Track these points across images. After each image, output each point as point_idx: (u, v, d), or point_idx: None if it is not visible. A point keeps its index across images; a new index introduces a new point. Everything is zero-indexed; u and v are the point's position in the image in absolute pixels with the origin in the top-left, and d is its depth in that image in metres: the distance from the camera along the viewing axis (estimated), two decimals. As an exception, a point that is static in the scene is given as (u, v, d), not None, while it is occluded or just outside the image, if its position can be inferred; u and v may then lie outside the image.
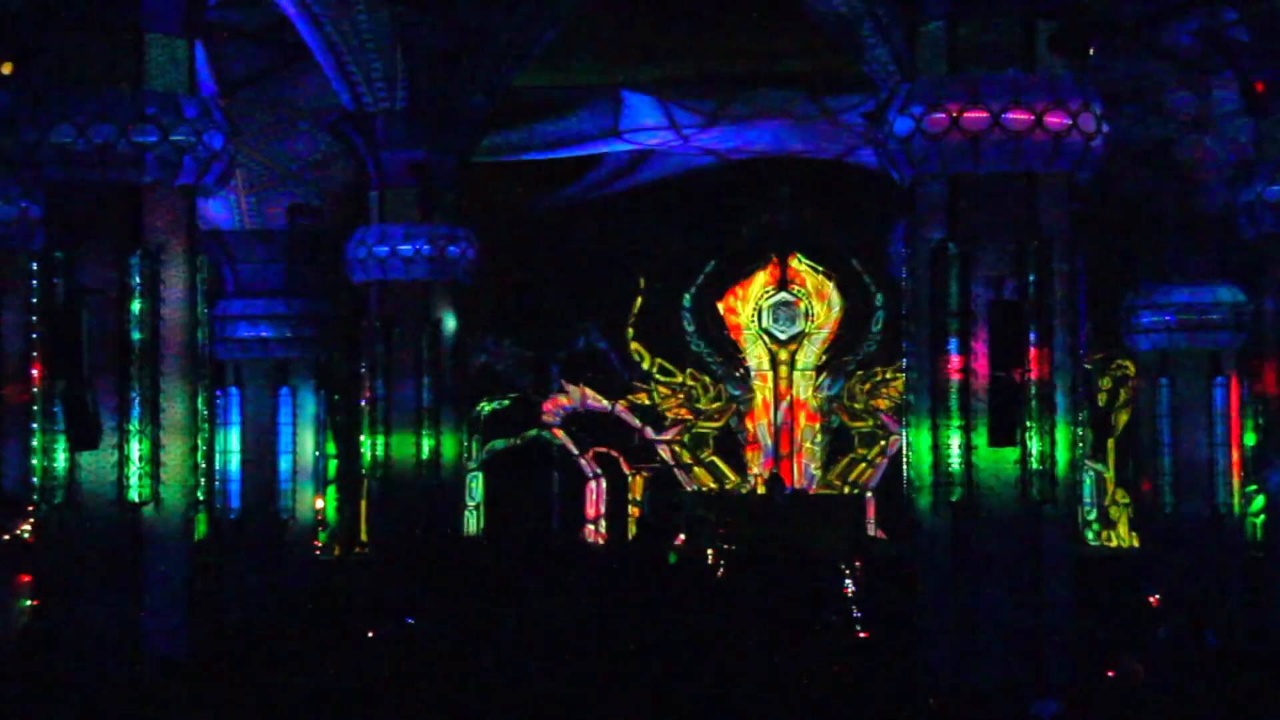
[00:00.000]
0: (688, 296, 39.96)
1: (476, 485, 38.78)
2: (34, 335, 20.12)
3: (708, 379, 39.96)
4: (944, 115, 19.21)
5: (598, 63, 32.49)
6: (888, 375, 38.86)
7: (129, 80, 19.76)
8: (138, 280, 19.63)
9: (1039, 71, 19.29)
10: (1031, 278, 19.21)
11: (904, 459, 20.13)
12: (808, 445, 39.73)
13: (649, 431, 39.90)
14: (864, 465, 39.43)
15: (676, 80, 33.67)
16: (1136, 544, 35.69)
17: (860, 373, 39.65)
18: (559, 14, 27.37)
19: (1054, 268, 19.32)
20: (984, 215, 19.37)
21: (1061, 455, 19.31)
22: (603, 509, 39.64)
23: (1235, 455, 30.33)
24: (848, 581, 26.80)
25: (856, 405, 39.63)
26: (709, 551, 31.73)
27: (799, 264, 39.79)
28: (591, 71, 32.98)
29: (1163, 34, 27.63)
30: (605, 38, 30.75)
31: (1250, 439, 29.94)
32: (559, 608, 21.76)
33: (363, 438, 28.42)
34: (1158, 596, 27.55)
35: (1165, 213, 29.94)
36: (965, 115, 19.14)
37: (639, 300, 39.85)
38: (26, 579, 22.74)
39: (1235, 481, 30.31)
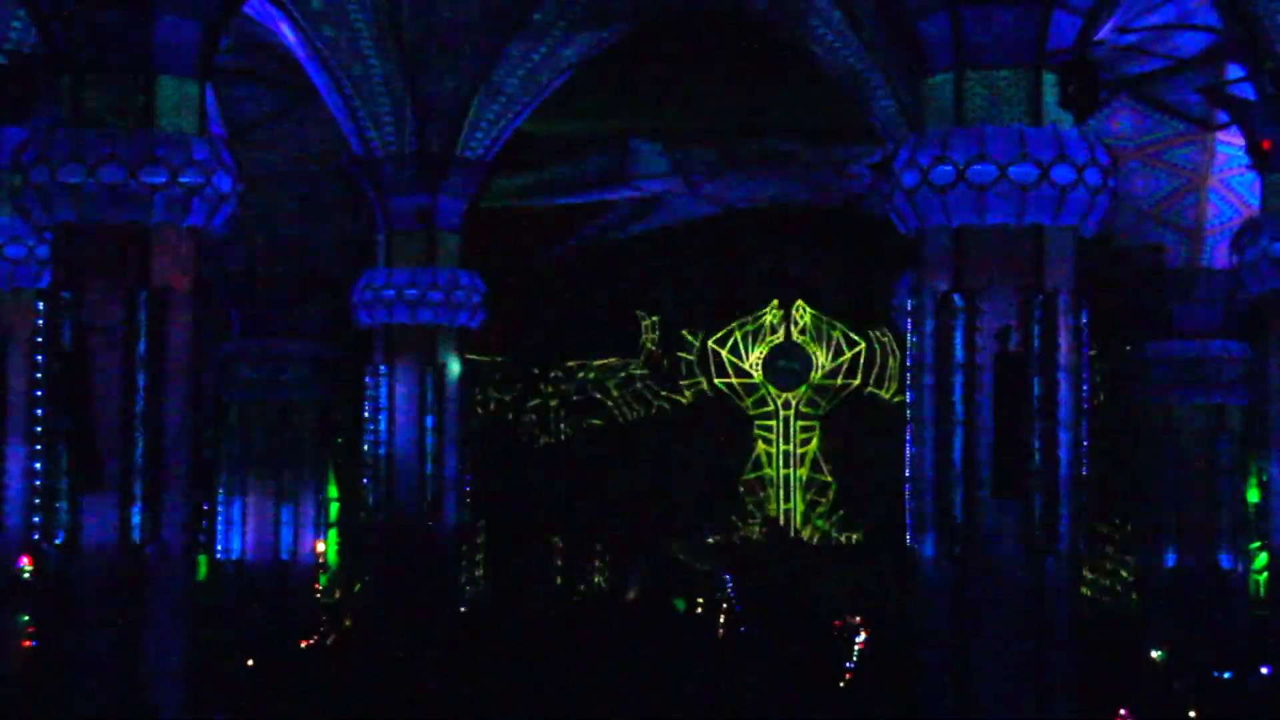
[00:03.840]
0: (695, 343, 40.01)
1: (476, 531, 38.71)
2: (40, 374, 20.08)
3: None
4: (950, 167, 19.25)
5: (606, 111, 32.60)
6: (891, 424, 38.86)
7: (139, 121, 19.83)
8: (144, 320, 19.65)
9: (1045, 125, 19.35)
10: (1036, 330, 19.23)
11: (907, 509, 20.09)
12: (810, 493, 39.70)
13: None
14: (866, 514, 39.40)
15: (684, 129, 33.78)
16: (1134, 598, 35.65)
17: (863, 422, 39.65)
18: (568, 62, 27.46)
19: (1059, 320, 19.33)
20: (990, 267, 19.38)
21: (1065, 508, 19.27)
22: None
23: (1239, 511, 30.25)
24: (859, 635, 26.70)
25: (859, 453, 39.61)
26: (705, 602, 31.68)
27: (803, 313, 39.84)
28: (600, 120, 33.09)
29: (1170, 90, 27.72)
30: (614, 86, 30.85)
31: (1254, 495, 29.89)
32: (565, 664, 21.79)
33: (365, 481, 28.38)
34: (1162, 652, 27.49)
35: (1170, 267, 29.96)
36: (971, 168, 19.18)
37: (644, 353, 39.92)
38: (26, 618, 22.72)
39: (1238, 538, 30.24)
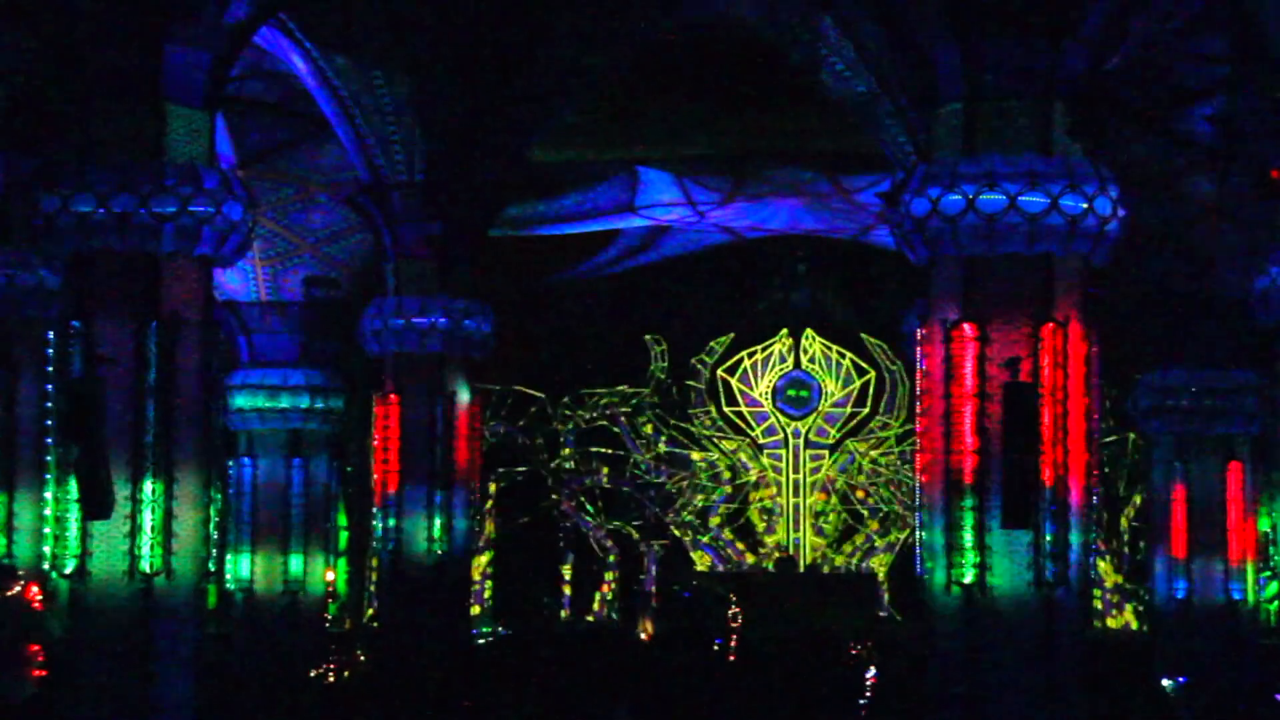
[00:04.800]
0: (705, 373, 40.04)
1: (485, 560, 38.68)
2: (49, 404, 20.10)
3: (719, 455, 39.98)
4: (960, 197, 19.25)
5: (615, 139, 32.64)
6: (901, 452, 38.85)
7: (149, 151, 19.87)
8: (154, 350, 19.66)
9: (1055, 154, 19.35)
10: (1046, 359, 19.21)
11: (917, 539, 20.07)
12: (821, 522, 39.67)
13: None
14: (878, 543, 39.36)
15: (693, 157, 33.82)
16: (1135, 627, 35.60)
17: (873, 451, 39.64)
18: (577, 90, 27.49)
19: (1068, 349, 19.31)
20: (999, 296, 19.37)
21: (1075, 538, 19.23)
22: (614, 587, 39.54)
23: (1249, 541, 30.17)
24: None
25: (868, 483, 39.58)
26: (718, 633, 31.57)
27: (813, 341, 39.84)
28: (608, 147, 33.13)
29: (1180, 119, 27.73)
30: (622, 114, 30.89)
31: (1264, 524, 29.81)
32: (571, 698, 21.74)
33: (374, 510, 28.34)
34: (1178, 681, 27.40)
35: (1180, 297, 29.93)
36: (981, 197, 19.18)
37: (653, 381, 39.95)
38: (36, 648, 22.69)
39: (1249, 567, 30.15)
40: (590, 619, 38.92)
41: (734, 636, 31.22)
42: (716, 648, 30.41)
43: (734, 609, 33.17)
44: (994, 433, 19.15)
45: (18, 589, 20.96)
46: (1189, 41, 24.59)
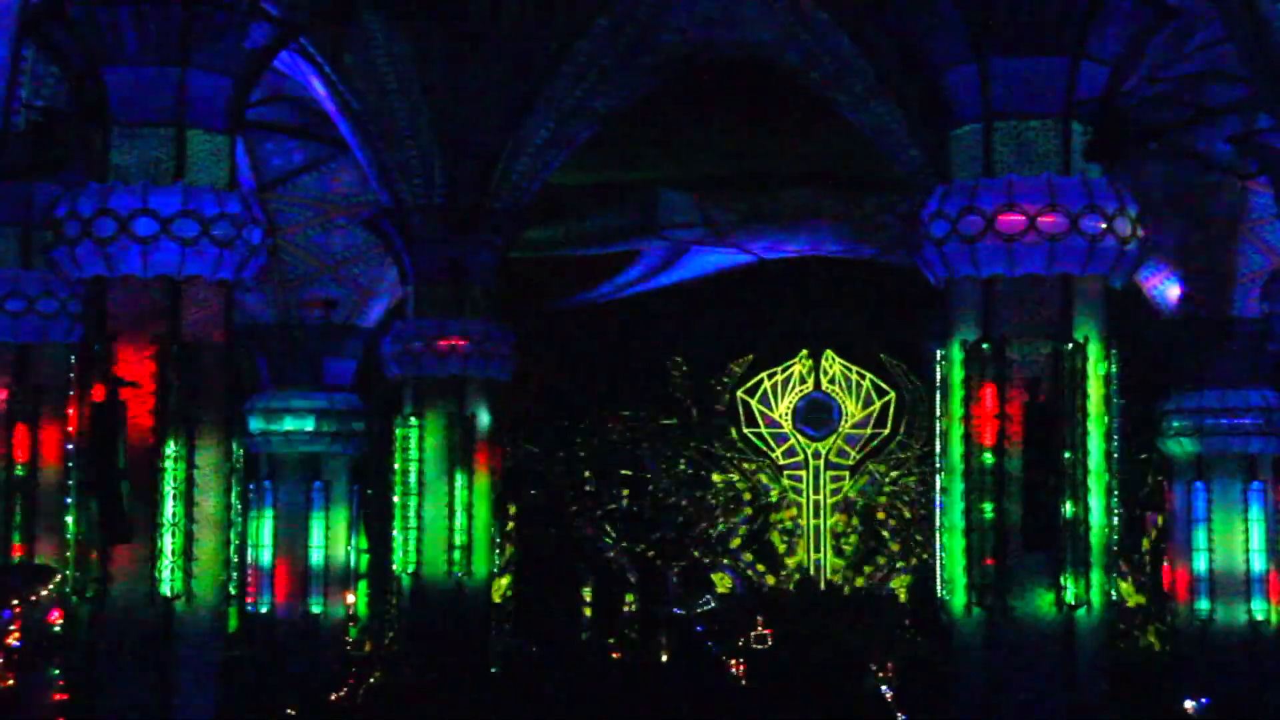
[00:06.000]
0: (724, 394, 40.03)
1: (505, 582, 38.65)
2: (72, 428, 20.15)
3: (737, 476, 39.95)
4: (979, 217, 19.27)
5: (635, 161, 32.66)
6: (922, 473, 38.79)
7: (171, 175, 19.96)
8: (175, 373, 19.72)
9: (1074, 175, 19.35)
10: (1066, 380, 19.19)
11: (938, 559, 20.04)
12: (841, 544, 39.61)
13: None
14: (899, 565, 39.29)
15: (712, 179, 33.81)
16: (1158, 648, 35.46)
17: (894, 472, 39.59)
18: (596, 112, 27.52)
19: (1088, 370, 19.29)
20: (1019, 317, 19.38)
21: (1096, 559, 19.20)
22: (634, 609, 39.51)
23: (1272, 561, 30.07)
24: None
25: (889, 504, 39.53)
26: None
27: (833, 362, 39.83)
28: (628, 169, 33.14)
29: (1199, 139, 27.70)
30: (642, 136, 30.92)
31: (1287, 544, 29.71)
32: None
33: (394, 533, 28.35)
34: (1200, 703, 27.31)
35: (1202, 317, 29.87)
36: (1000, 217, 19.20)
37: (673, 403, 39.98)
38: (56, 671, 22.72)
39: (1272, 588, 30.06)
40: (611, 640, 38.85)
41: (741, 659, 31.15)
42: (723, 667, 30.39)
43: (755, 630, 33.11)
44: (1014, 454, 19.15)
45: (51, 588, 20.92)
46: (1208, 61, 24.56)
